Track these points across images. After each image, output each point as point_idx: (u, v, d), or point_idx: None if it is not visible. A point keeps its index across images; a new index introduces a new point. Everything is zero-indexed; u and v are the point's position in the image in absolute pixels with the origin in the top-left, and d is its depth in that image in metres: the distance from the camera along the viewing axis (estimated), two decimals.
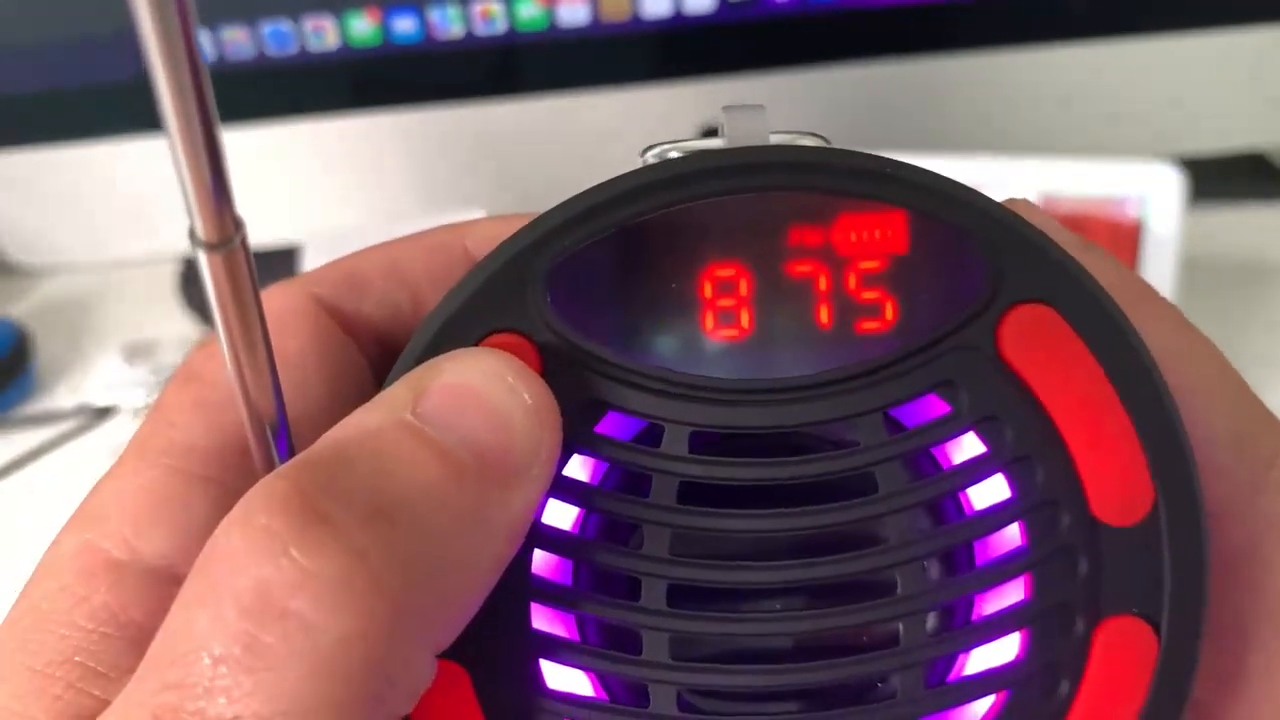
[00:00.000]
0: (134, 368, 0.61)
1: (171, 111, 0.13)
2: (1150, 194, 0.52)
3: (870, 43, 0.61)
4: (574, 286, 0.18)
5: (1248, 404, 0.20)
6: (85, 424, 0.59)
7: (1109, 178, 0.53)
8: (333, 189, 0.66)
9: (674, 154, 0.19)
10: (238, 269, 0.15)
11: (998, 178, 0.53)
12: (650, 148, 0.20)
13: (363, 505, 0.15)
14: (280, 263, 0.63)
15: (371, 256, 0.22)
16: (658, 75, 0.61)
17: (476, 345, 0.18)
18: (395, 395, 0.17)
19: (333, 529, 0.15)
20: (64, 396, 0.62)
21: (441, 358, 0.17)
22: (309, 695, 0.14)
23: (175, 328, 0.65)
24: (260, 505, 0.15)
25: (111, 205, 0.66)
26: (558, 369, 0.18)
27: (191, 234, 0.14)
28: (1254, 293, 0.62)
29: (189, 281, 0.66)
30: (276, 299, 0.21)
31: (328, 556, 0.15)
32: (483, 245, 0.22)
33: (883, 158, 0.18)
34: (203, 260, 0.15)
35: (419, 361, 0.18)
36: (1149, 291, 0.21)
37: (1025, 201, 0.20)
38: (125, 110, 0.61)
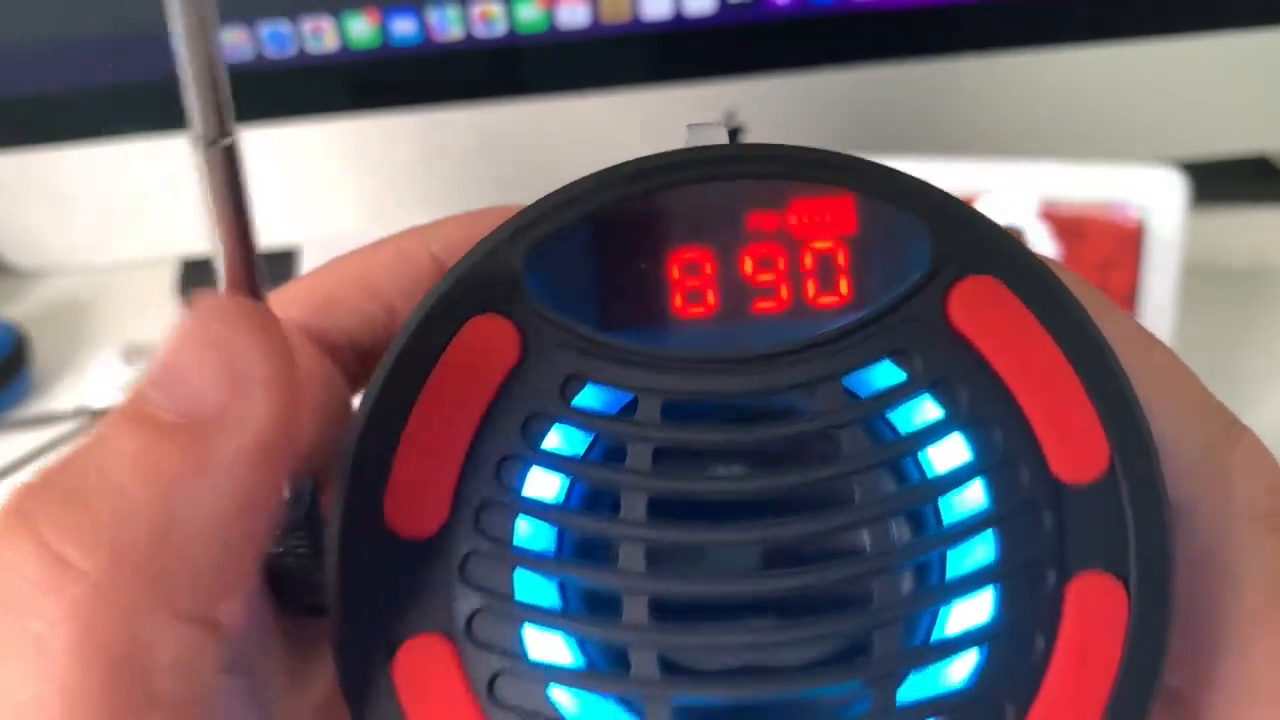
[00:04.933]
0: (132, 369, 0.61)
1: (181, 28, 0.16)
2: (1152, 197, 0.52)
3: (871, 45, 0.60)
4: (552, 270, 0.19)
5: (1206, 403, 0.20)
6: (83, 426, 0.59)
7: (1111, 181, 0.52)
8: (331, 191, 0.65)
9: None
10: (228, 165, 0.17)
11: (999, 181, 0.53)
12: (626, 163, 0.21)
13: (59, 491, 0.16)
14: (279, 264, 0.63)
15: (343, 271, 0.23)
16: (658, 77, 0.61)
17: (461, 327, 0.19)
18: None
19: (22, 518, 0.16)
20: (62, 398, 0.61)
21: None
22: (33, 682, 0.15)
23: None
24: None
25: (110, 206, 0.66)
26: (538, 347, 0.19)
27: (190, 132, 0.16)
28: (1257, 295, 0.62)
29: (188, 283, 0.65)
30: None
31: (13, 546, 0.15)
32: (450, 249, 0.23)
33: (831, 151, 0.20)
34: (198, 154, 0.16)
35: (402, 348, 0.19)
36: (1103, 299, 0.21)
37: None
38: (125, 111, 0.60)
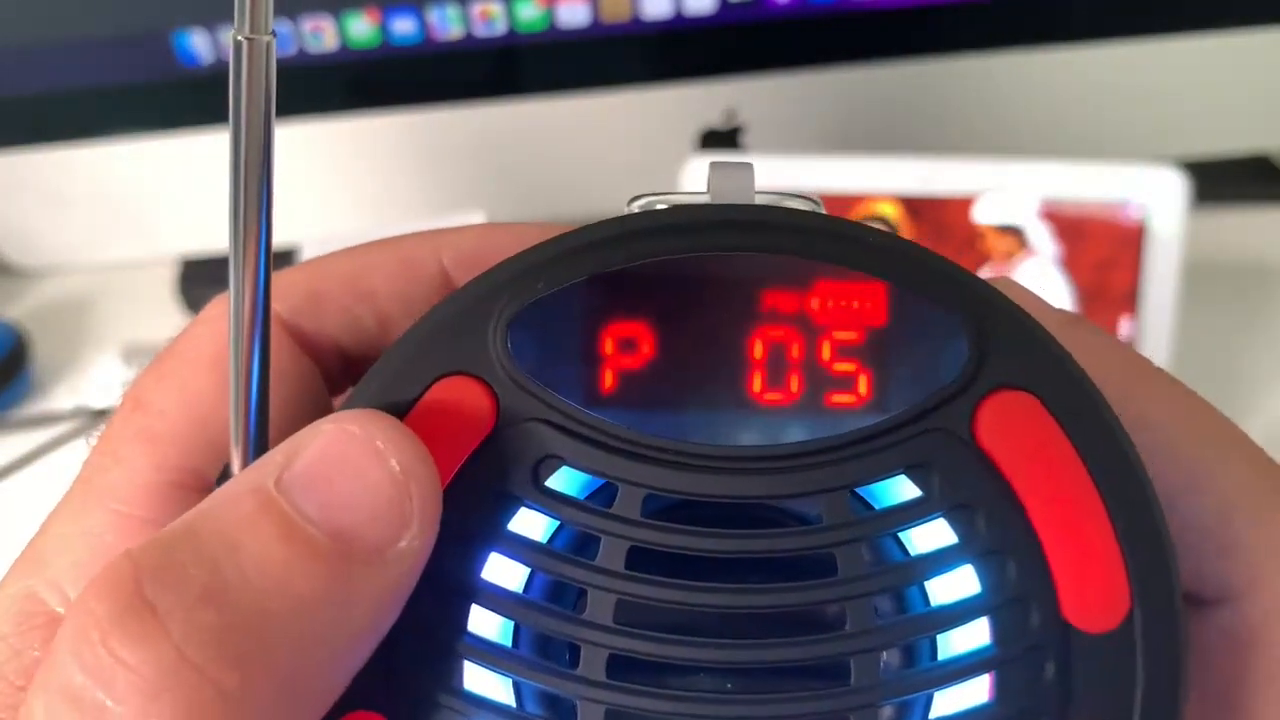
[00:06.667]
0: (132, 369, 0.61)
1: None
2: (1153, 197, 0.52)
3: (871, 44, 0.60)
4: (538, 333, 0.17)
5: (1266, 473, 0.19)
6: (83, 426, 0.59)
7: (1111, 181, 0.52)
8: (331, 191, 0.65)
9: (659, 205, 0.19)
10: (260, 62, 0.17)
11: (1000, 181, 0.53)
12: (637, 197, 0.19)
13: (194, 589, 0.15)
14: (278, 263, 0.63)
15: (336, 269, 0.22)
16: (658, 76, 0.61)
17: (431, 385, 0.17)
18: (269, 460, 0.16)
19: (154, 618, 0.14)
20: (61, 398, 0.61)
21: (327, 418, 0.17)
22: None
23: (174, 329, 0.65)
24: (94, 589, 0.15)
25: (110, 206, 0.66)
26: (513, 417, 0.17)
27: (233, 29, 0.17)
28: (1257, 295, 0.62)
29: (188, 282, 0.65)
30: None
31: (144, 649, 0.14)
32: (461, 261, 0.21)
33: (867, 226, 0.18)
34: (234, 47, 0.16)
35: (370, 397, 0.17)
36: (1146, 365, 0.20)
37: (1010, 280, 0.20)
38: (126, 111, 0.60)
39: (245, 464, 0.18)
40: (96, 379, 0.61)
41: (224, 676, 0.14)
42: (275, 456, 0.16)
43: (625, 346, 0.18)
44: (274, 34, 0.17)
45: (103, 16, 0.57)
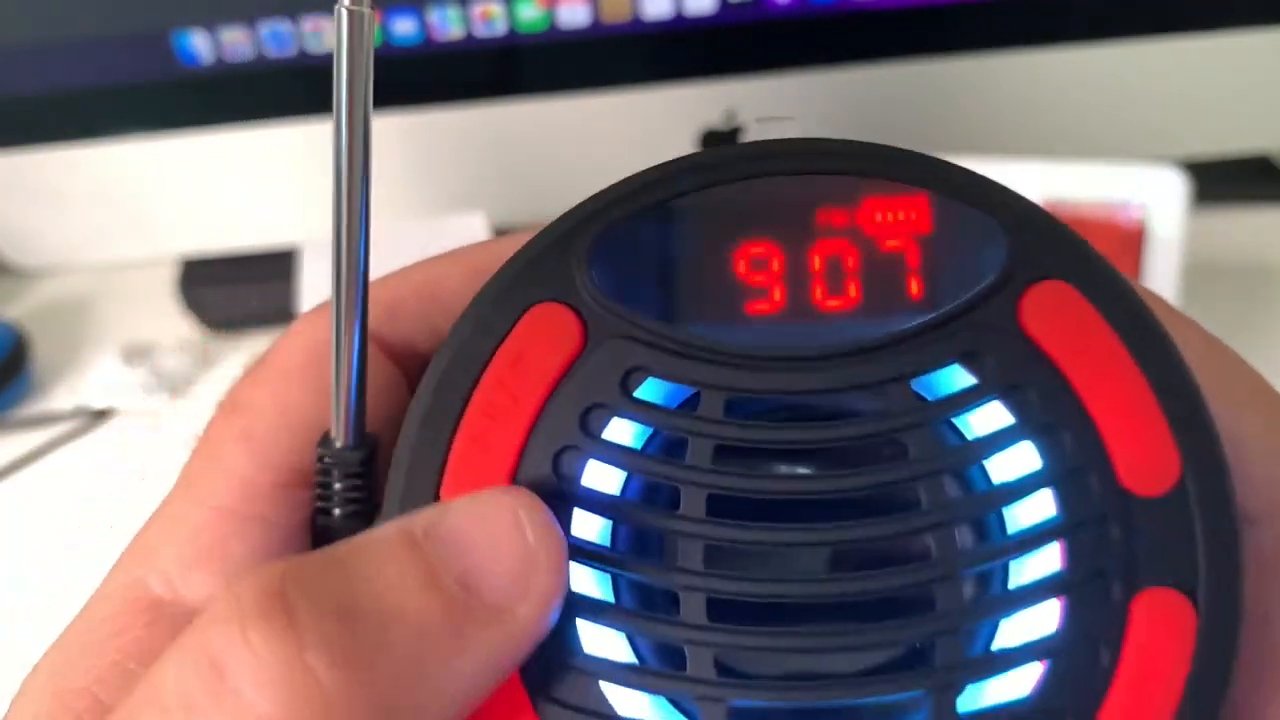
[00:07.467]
0: (132, 369, 0.61)
1: None
2: (1153, 197, 0.52)
3: (872, 44, 0.60)
4: (617, 259, 0.19)
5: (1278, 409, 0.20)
6: (83, 426, 0.59)
7: (1112, 181, 0.52)
8: (331, 190, 0.65)
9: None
10: (362, 30, 0.18)
11: (1000, 181, 0.53)
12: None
13: (330, 602, 0.16)
14: (279, 264, 0.63)
15: (411, 278, 0.23)
16: (658, 76, 0.61)
17: (523, 314, 0.19)
18: (422, 513, 0.18)
19: (290, 618, 0.16)
20: (61, 398, 0.61)
21: (475, 494, 0.18)
22: None
23: (174, 329, 0.65)
24: (245, 582, 0.16)
25: (111, 206, 0.66)
26: (599, 337, 0.19)
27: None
28: (1258, 295, 0.62)
29: (188, 282, 0.65)
30: (320, 328, 0.22)
31: (277, 643, 0.16)
32: None
33: (908, 150, 0.20)
34: (337, 18, 0.18)
35: (467, 331, 0.19)
36: (1170, 305, 0.21)
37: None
38: (126, 110, 0.60)
39: (347, 437, 0.20)
40: (96, 379, 0.61)
41: (330, 683, 0.16)
42: (427, 512, 0.18)
43: (697, 267, 0.19)
44: (374, 6, 0.18)
45: (103, 16, 0.57)
